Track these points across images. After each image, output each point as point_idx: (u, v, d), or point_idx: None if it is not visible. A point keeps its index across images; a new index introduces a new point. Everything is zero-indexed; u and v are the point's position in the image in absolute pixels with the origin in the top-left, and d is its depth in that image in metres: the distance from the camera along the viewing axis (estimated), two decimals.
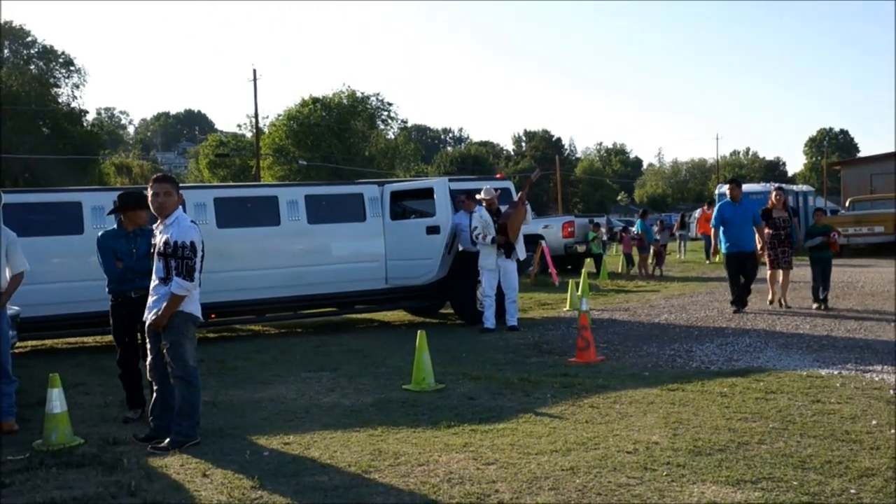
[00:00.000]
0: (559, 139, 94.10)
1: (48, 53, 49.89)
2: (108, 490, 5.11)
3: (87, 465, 5.72)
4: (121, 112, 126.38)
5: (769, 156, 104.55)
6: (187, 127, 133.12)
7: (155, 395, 6.33)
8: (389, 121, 65.62)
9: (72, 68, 51.11)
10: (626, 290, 17.63)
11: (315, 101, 60.28)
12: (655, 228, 23.53)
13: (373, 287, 12.79)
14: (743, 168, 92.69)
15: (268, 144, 58.21)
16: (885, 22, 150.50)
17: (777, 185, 16.96)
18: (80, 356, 11.05)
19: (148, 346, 6.34)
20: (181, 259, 5.96)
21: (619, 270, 22.94)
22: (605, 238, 24.58)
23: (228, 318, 12.36)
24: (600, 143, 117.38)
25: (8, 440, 6.55)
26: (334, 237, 12.75)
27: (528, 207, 12.50)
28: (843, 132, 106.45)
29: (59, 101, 50.91)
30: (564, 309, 14.40)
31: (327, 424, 6.62)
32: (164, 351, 6.13)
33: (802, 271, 14.15)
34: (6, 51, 48.25)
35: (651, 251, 22.05)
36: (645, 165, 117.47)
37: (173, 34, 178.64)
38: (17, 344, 8.37)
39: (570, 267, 22.06)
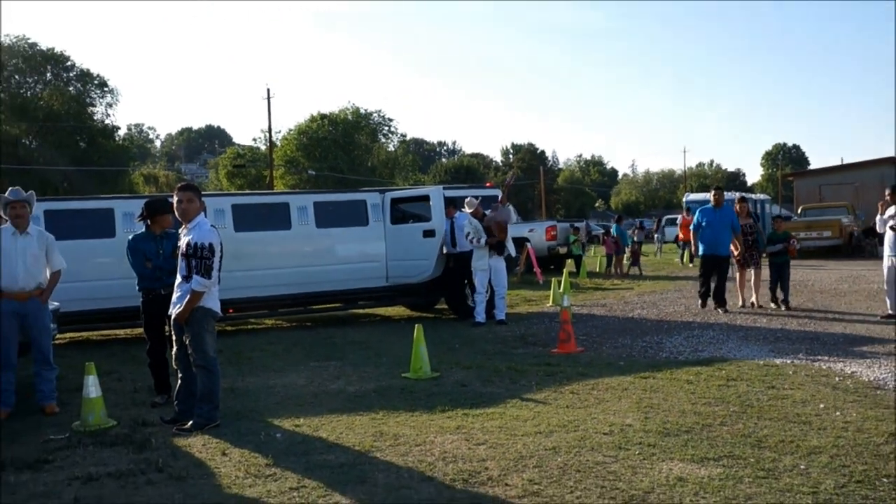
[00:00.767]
0: (543, 151, 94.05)
1: (85, 76, 49.72)
2: (139, 466, 5.11)
3: (119, 444, 5.72)
4: (149, 127, 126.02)
5: (731, 167, 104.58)
6: (208, 140, 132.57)
7: (179, 381, 6.33)
8: (390, 135, 65.70)
9: (106, 89, 50.94)
10: (603, 288, 17.64)
11: (323, 117, 60.20)
12: (631, 231, 23.59)
13: (374, 285, 12.78)
14: (707, 178, 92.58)
15: (280, 156, 58.06)
16: (832, 49, 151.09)
17: (740, 194, 16.63)
18: (113, 347, 11.04)
19: (173, 337, 6.34)
20: (201, 259, 5.97)
21: (598, 270, 22.96)
22: (584, 241, 24.61)
23: (245, 313, 12.32)
24: (580, 155, 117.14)
25: (50, 421, 6.56)
26: (340, 240, 12.74)
27: (511, 207, 12.54)
28: (796, 147, 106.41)
29: (95, 118, 50.75)
30: (548, 305, 14.40)
31: (334, 409, 6.62)
32: (187, 342, 6.13)
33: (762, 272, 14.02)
34: (48, 74, 48.18)
35: (626, 252, 22.10)
36: (620, 175, 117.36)
37: (196, 56, 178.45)
38: (57, 335, 8.35)
39: (552, 267, 22.07)
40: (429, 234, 12.35)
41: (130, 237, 7.32)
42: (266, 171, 55.05)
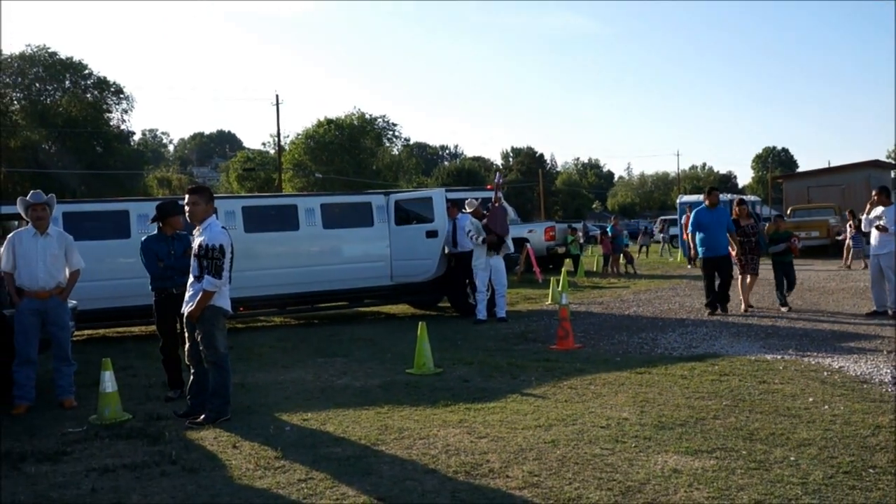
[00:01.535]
0: (542, 155, 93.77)
1: (102, 84, 49.77)
2: (153, 458, 5.12)
3: (134, 436, 5.73)
4: (162, 133, 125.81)
5: (722, 170, 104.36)
6: (219, 145, 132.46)
7: (192, 377, 6.32)
8: (394, 139, 65.68)
9: (121, 96, 51.02)
10: (600, 287, 17.63)
11: (329, 122, 60.18)
12: (626, 233, 23.60)
13: (379, 284, 12.78)
14: (700, 181, 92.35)
15: (288, 160, 58.06)
16: (820, 55, 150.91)
17: (739, 196, 15.94)
18: (128, 343, 11.04)
19: (185, 334, 6.34)
20: (211, 259, 5.97)
21: (595, 269, 22.94)
22: (581, 241, 24.59)
23: (255, 311, 12.34)
24: (577, 159, 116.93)
25: (68, 415, 6.57)
26: (346, 240, 12.74)
27: (506, 205, 12.56)
28: (785, 150, 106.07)
29: (111, 124, 50.85)
30: (546, 303, 14.39)
31: (340, 403, 6.62)
32: (199, 339, 6.13)
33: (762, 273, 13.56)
34: (67, 82, 48.30)
35: (622, 253, 22.09)
36: (616, 178, 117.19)
37: (208, 64, 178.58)
38: (75, 332, 8.36)
39: (551, 266, 22.06)
40: (431, 234, 12.36)
41: (143, 238, 7.32)
42: (275, 175, 55.12)
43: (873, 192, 11.22)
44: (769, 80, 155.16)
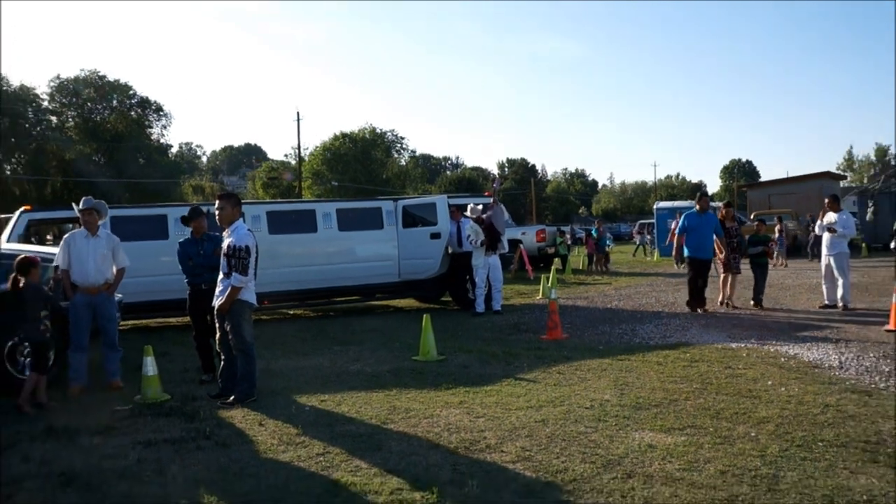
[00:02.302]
0: (534, 165, 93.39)
1: (144, 102, 49.98)
2: (189, 434, 5.16)
3: (173, 414, 5.77)
4: (196, 145, 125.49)
5: (694, 179, 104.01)
6: (247, 156, 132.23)
7: (222, 363, 6.35)
8: (402, 151, 65.54)
9: (161, 113, 51.12)
10: (585, 283, 17.63)
11: (344, 135, 60.08)
12: (610, 235, 23.58)
13: (388, 280, 12.78)
14: (674, 188, 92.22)
15: (308, 169, 58.07)
16: (777, 73, 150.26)
17: (727, 200, 15.39)
18: (167, 332, 11.07)
19: (216, 325, 6.37)
20: (238, 259, 6.00)
21: (581, 267, 22.93)
22: (569, 242, 24.58)
23: (278, 304, 12.36)
24: (565, 168, 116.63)
25: (115, 396, 6.60)
26: (359, 241, 12.75)
27: (503, 207, 12.58)
28: (748, 162, 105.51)
29: (152, 138, 51.05)
30: (538, 297, 14.40)
31: (353, 386, 6.64)
32: (228, 330, 6.16)
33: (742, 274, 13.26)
34: (114, 101, 48.50)
35: (605, 254, 22.13)
36: (600, 186, 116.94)
37: (237, 82, 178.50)
38: (121, 323, 8.40)
39: (542, 265, 22.04)
40: (435, 236, 12.38)
41: (179, 242, 7.43)
42: (296, 183, 55.11)
43: (826, 200, 11.22)
44: (734, 98, 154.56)
